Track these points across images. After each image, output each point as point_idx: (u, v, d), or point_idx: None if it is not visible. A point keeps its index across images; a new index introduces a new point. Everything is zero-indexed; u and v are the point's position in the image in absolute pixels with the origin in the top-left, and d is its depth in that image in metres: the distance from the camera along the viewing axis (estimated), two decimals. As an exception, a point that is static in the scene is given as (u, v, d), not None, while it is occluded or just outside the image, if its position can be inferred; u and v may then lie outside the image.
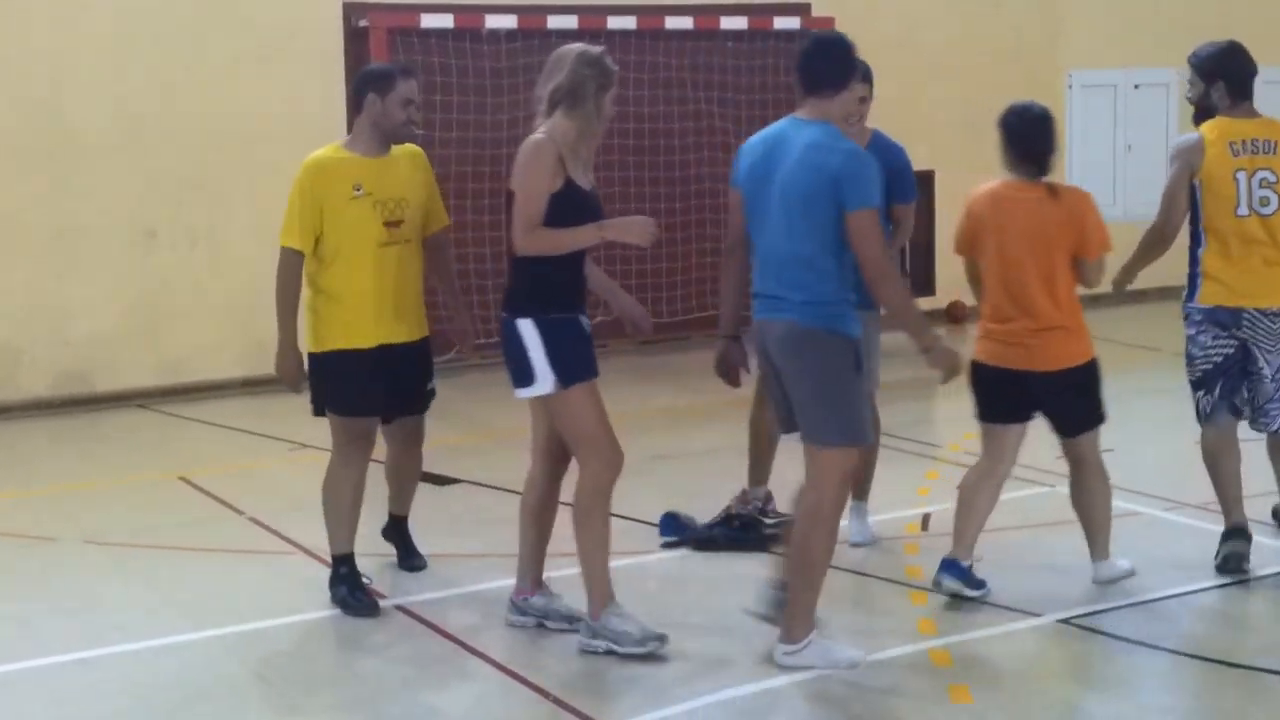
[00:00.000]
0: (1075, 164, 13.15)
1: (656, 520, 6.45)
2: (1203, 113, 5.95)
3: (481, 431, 8.82)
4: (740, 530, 6.28)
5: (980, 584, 5.54)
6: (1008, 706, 4.64)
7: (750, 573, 5.96)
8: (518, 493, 7.19)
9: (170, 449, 8.75)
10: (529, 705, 4.75)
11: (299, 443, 8.52)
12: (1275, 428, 5.88)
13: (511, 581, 5.61)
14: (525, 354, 5.06)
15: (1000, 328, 5.48)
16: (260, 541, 6.62)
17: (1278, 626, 5.31)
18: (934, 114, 11.53)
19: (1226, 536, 5.84)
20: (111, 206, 9.86)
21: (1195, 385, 5.90)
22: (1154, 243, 5.91)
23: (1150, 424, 8.67)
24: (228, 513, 7.11)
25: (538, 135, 5.06)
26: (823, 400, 4.85)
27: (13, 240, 9.65)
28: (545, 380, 5.06)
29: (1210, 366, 5.83)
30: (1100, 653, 5.08)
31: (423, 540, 6.23)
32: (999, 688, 4.80)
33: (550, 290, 5.07)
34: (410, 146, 5.74)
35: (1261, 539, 6.19)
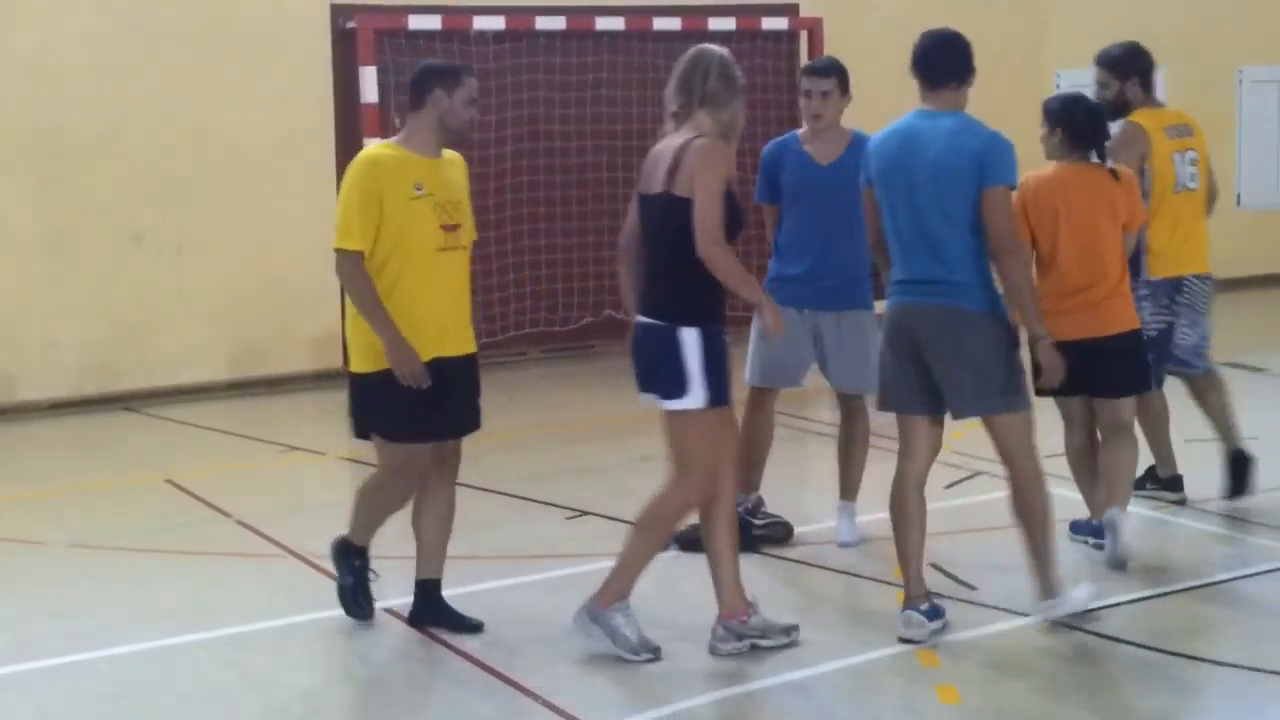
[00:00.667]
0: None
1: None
2: (1118, 108, 6.50)
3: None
4: (729, 531, 6.26)
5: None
6: (995, 706, 4.65)
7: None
8: (505, 494, 7.22)
9: (158, 452, 8.73)
10: (517, 707, 4.74)
11: (287, 445, 8.52)
12: (1201, 369, 6.64)
13: (494, 583, 5.61)
14: (683, 364, 4.93)
15: (1066, 302, 5.77)
16: (248, 545, 6.60)
17: (1261, 624, 5.32)
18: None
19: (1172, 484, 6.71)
20: (99, 210, 9.84)
21: None
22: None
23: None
24: (216, 516, 7.10)
25: (704, 139, 4.94)
26: (1001, 374, 5.14)
27: (0, 243, 9.63)
28: (697, 395, 4.96)
29: (1152, 335, 6.30)
30: (1087, 652, 5.09)
31: (405, 542, 6.22)
32: (986, 687, 4.81)
33: (711, 299, 4.99)
34: (453, 152, 5.49)
35: (1245, 536, 6.21)
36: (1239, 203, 14.19)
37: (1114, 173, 5.84)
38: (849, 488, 6.33)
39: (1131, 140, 6.33)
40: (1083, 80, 13.07)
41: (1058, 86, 13.08)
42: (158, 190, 9.99)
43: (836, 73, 6.28)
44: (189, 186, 10.08)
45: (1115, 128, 6.34)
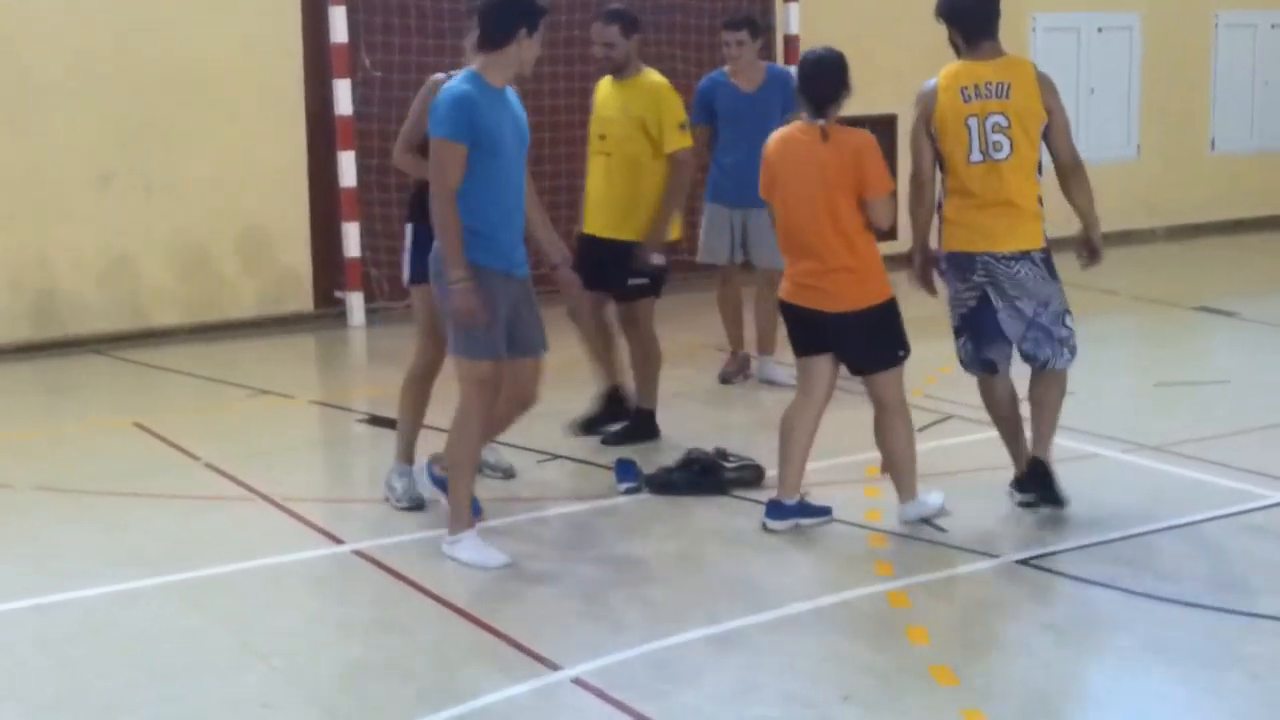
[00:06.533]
0: (1038, 108, 13.14)
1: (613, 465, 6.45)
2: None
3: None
4: (700, 474, 6.27)
5: (823, 510, 5.78)
6: (965, 647, 4.67)
7: (711, 516, 5.97)
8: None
9: (126, 394, 8.67)
10: (489, 648, 4.74)
11: (256, 388, 8.47)
12: (1042, 360, 5.75)
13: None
14: None
15: (794, 269, 5.67)
16: (218, 488, 6.57)
17: (1231, 566, 5.35)
18: (897, 57, 11.49)
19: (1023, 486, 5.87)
20: (67, 151, 9.72)
21: (956, 332, 5.90)
22: (911, 191, 5.83)
23: (1109, 367, 8.72)
24: (185, 459, 7.05)
25: None
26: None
27: (-36, 184, 9.50)
28: None
29: (964, 312, 5.81)
30: (1056, 593, 5.12)
31: (377, 485, 6.22)
32: (957, 628, 4.83)
33: None
34: None
35: (1214, 479, 6.25)
36: (1212, 148, 14.21)
37: (824, 133, 5.50)
38: (766, 343, 8.12)
39: (917, 99, 5.74)
40: (1057, 23, 13.13)
41: (1033, 30, 13.04)
42: (126, 131, 9.86)
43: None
44: (158, 127, 9.95)
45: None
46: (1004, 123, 5.59)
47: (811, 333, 5.69)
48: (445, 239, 5.28)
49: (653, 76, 6.95)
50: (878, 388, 5.69)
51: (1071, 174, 5.74)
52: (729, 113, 8.00)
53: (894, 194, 5.62)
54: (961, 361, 5.95)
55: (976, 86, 5.63)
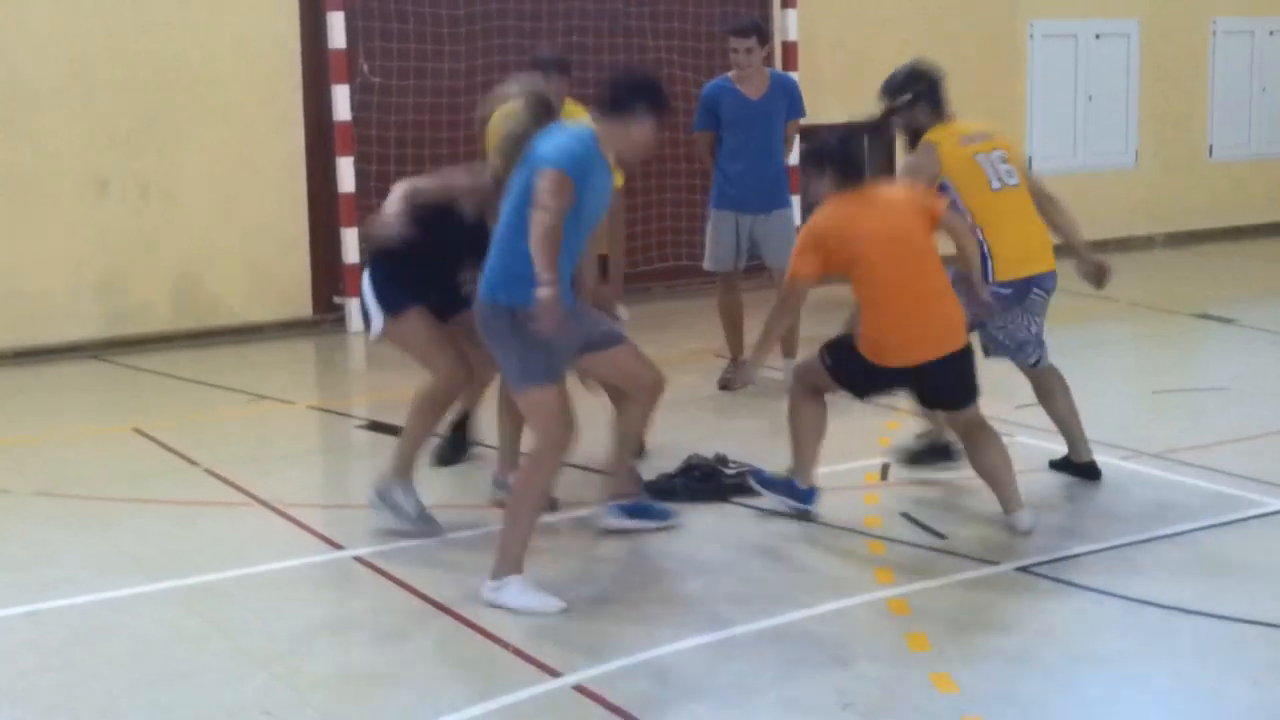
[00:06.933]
0: (1036, 114, 13.16)
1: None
2: (914, 134, 6.11)
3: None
4: (700, 480, 6.27)
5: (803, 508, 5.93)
6: (965, 654, 4.66)
7: (710, 522, 5.96)
8: (473, 443, 7.18)
9: (125, 400, 8.66)
10: (489, 654, 4.73)
11: (255, 394, 8.46)
12: (1035, 359, 6.17)
13: (467, 533, 5.58)
14: None
15: (895, 333, 5.52)
16: (216, 494, 6.56)
17: (1231, 573, 5.35)
18: (891, 62, 11.48)
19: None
20: (63, 155, 9.71)
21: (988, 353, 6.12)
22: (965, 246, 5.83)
23: (1108, 374, 8.73)
24: (184, 464, 7.05)
25: None
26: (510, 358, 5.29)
27: (-39, 189, 9.50)
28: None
29: (1007, 342, 6.11)
30: (1057, 600, 5.11)
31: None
32: (957, 636, 4.82)
33: None
34: None
35: (1214, 485, 6.24)
36: (1210, 155, 14.23)
37: (886, 188, 5.75)
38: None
39: (916, 169, 5.98)
40: (1055, 29, 13.14)
41: (1030, 36, 13.05)
42: (123, 137, 9.86)
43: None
44: (155, 133, 9.95)
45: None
46: (1005, 156, 6.05)
47: (891, 384, 5.74)
48: (547, 252, 4.90)
49: (580, 113, 6.69)
50: (971, 414, 5.70)
51: (1049, 199, 6.19)
52: (735, 119, 8.02)
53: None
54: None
55: (968, 135, 6.06)
